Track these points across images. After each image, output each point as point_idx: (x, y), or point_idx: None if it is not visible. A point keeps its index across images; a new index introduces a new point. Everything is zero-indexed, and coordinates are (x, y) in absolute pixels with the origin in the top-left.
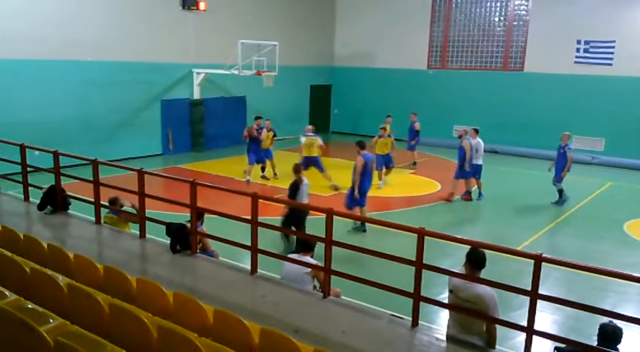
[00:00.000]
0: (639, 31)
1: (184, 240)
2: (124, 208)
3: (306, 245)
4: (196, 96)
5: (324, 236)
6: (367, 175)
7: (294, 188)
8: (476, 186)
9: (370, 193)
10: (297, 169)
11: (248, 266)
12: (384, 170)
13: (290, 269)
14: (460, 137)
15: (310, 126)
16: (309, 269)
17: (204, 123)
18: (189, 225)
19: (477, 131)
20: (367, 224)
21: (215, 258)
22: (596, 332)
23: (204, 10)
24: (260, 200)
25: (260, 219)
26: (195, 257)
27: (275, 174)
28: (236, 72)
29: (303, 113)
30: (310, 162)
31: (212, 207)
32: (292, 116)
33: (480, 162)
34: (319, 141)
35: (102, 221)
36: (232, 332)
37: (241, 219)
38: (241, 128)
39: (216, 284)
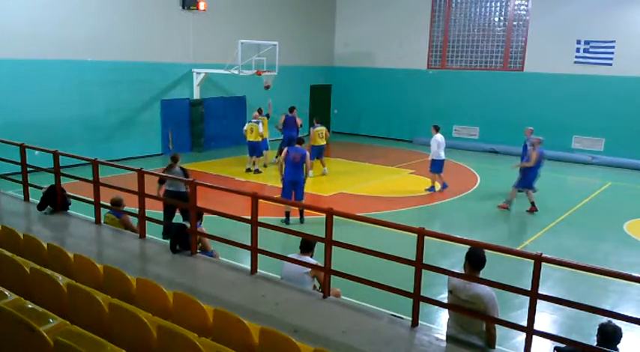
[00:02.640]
0: (639, 31)
1: (184, 240)
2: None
3: (306, 245)
4: (196, 96)
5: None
6: (287, 166)
7: (170, 170)
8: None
9: (369, 193)
10: (173, 158)
11: (248, 266)
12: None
13: (290, 269)
14: (533, 145)
15: (256, 113)
16: (309, 269)
17: (204, 123)
18: (188, 224)
19: (437, 128)
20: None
21: (215, 258)
22: (596, 332)
23: (204, 10)
24: (260, 200)
25: (260, 218)
26: (195, 257)
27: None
28: (236, 72)
29: (303, 113)
30: (250, 146)
31: (212, 207)
32: None
33: (443, 157)
34: (259, 127)
35: (102, 221)
36: (232, 332)
37: (241, 219)
38: (241, 128)
39: (216, 284)
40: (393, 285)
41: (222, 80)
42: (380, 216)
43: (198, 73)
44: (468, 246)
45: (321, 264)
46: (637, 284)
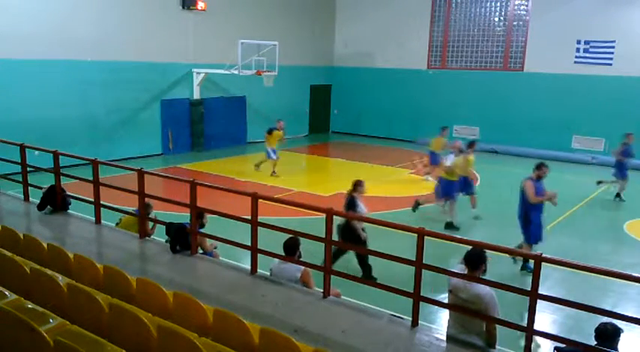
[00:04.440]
0: (639, 30)
1: (184, 240)
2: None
3: (290, 247)
4: (196, 96)
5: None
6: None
7: (351, 201)
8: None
9: (369, 193)
10: (356, 184)
11: (248, 266)
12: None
13: (281, 275)
14: None
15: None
16: (300, 275)
17: (204, 123)
18: (190, 224)
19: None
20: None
21: (215, 258)
22: (595, 332)
23: (204, 10)
24: (260, 200)
25: (260, 218)
26: (195, 257)
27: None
28: (236, 72)
29: (303, 113)
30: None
31: (212, 207)
32: (292, 116)
33: None
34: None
35: (116, 222)
36: (232, 332)
37: (241, 219)
38: (241, 128)
39: (216, 284)
40: (393, 285)
41: (222, 80)
42: (380, 216)
43: (198, 73)
44: (468, 246)
45: (307, 268)
46: (637, 284)
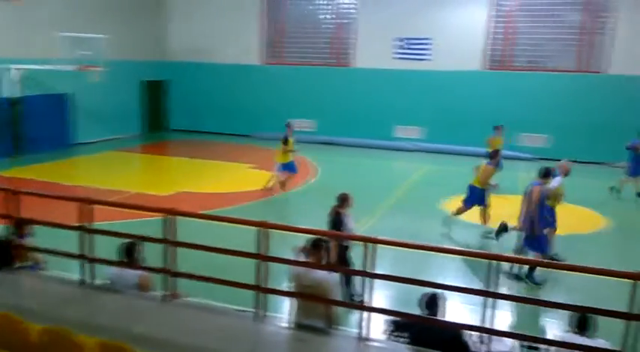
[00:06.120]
0: (452, 29)
1: (5, 254)
2: None
3: (128, 251)
4: (12, 94)
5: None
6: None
7: (337, 219)
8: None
9: (211, 190)
10: (343, 198)
11: (82, 277)
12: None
13: (123, 275)
14: None
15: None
16: (138, 280)
17: (22, 124)
18: (11, 238)
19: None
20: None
21: (43, 272)
22: (422, 302)
23: (21, 1)
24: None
25: (96, 224)
26: (18, 273)
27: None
28: (58, 67)
29: (135, 110)
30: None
31: (41, 216)
32: (123, 113)
33: None
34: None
35: None
36: (64, 349)
37: (70, 227)
38: (67, 128)
39: (46, 300)
40: (240, 280)
41: (44, 76)
42: (223, 213)
43: (14, 69)
44: (310, 235)
45: (146, 272)
46: (456, 256)
